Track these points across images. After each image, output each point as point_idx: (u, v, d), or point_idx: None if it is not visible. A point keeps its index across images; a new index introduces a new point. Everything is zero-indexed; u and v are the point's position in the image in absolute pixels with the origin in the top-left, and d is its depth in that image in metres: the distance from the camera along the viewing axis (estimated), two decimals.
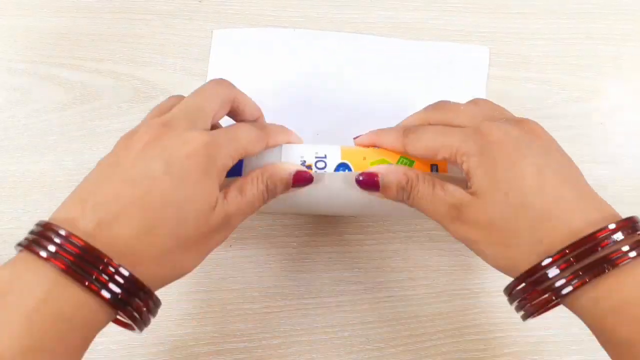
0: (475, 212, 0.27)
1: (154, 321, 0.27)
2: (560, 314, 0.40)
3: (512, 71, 0.43)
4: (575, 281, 0.24)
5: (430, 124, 0.31)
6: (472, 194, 0.27)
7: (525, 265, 0.26)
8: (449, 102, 0.32)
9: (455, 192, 0.28)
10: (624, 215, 0.25)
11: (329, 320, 0.39)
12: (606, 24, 0.44)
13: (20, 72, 0.41)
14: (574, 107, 0.43)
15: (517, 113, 0.43)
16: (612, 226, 0.24)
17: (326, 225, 0.40)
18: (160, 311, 0.38)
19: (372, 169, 0.31)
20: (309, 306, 0.39)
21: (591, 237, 0.24)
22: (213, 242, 0.27)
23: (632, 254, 0.23)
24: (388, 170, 0.30)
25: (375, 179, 0.30)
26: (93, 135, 0.40)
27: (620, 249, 0.24)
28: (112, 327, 0.38)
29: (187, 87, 0.42)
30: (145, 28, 0.43)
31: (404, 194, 0.30)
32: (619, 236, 0.24)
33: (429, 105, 0.32)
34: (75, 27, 0.42)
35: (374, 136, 0.33)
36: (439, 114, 0.31)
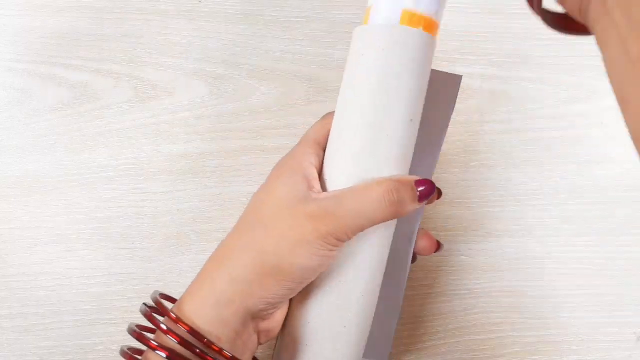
0: None
1: None
2: (560, 313, 0.40)
3: (512, 71, 0.43)
4: None
5: None
6: None
7: None
8: None
9: None
10: None
11: None
12: None
13: (20, 72, 0.41)
14: (574, 107, 0.43)
15: (517, 113, 0.43)
16: None
17: None
18: None
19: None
20: None
21: None
22: None
23: None
24: None
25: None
26: (93, 135, 0.40)
27: None
28: (110, 326, 0.38)
29: (186, 87, 0.42)
30: (145, 28, 0.43)
31: None
32: None
33: None
34: (76, 27, 0.42)
35: None
36: None
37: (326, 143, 0.31)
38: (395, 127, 0.28)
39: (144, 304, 0.29)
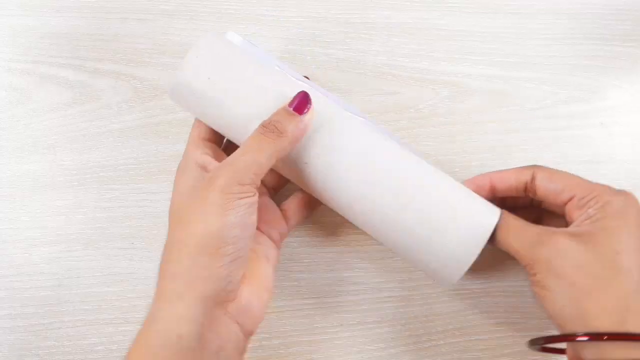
0: (572, 254, 0.29)
1: None
2: None
3: (512, 71, 0.43)
4: None
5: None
6: (572, 235, 0.29)
7: (601, 322, 0.27)
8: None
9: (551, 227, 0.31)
10: None
11: (329, 320, 0.39)
12: (605, 24, 0.44)
13: (20, 72, 0.41)
14: (574, 107, 0.43)
15: (517, 113, 0.43)
16: None
17: (327, 225, 0.40)
18: None
19: None
20: (309, 306, 0.39)
21: None
22: None
23: None
24: None
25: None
26: (93, 135, 0.40)
27: None
28: (110, 326, 0.38)
29: None
30: (145, 28, 0.43)
31: None
32: None
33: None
34: (75, 27, 0.42)
35: (487, 175, 0.35)
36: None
37: (209, 135, 0.34)
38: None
39: None
